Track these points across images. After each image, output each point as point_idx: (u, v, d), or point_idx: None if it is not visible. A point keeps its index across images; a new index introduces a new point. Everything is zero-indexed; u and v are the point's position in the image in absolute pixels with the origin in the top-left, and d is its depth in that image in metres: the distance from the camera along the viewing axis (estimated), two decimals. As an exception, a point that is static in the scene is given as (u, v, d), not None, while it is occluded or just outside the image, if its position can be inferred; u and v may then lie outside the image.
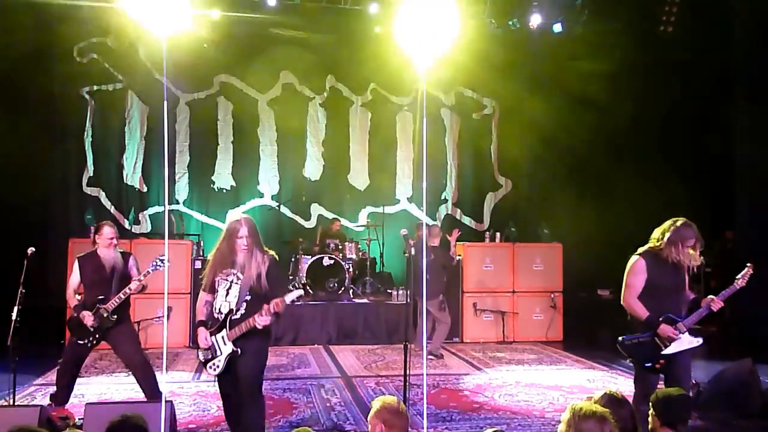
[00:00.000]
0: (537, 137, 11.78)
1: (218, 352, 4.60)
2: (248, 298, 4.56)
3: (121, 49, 10.86)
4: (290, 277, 10.51)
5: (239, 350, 4.55)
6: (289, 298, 4.52)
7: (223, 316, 4.58)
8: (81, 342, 5.66)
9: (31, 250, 5.73)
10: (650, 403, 3.67)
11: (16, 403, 5.71)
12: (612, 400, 3.37)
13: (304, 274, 10.05)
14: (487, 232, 11.07)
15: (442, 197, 12.19)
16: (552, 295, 10.31)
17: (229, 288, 4.60)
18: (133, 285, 5.54)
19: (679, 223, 4.68)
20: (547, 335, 10.16)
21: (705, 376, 6.58)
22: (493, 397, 6.83)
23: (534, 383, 7.41)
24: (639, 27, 10.78)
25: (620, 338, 4.75)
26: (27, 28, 9.72)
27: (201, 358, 4.72)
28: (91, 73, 10.79)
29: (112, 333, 5.69)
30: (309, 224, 11.71)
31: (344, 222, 11.54)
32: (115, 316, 5.62)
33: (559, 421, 2.92)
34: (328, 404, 6.50)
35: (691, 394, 5.50)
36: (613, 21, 10.73)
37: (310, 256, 10.24)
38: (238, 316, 4.54)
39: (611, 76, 10.89)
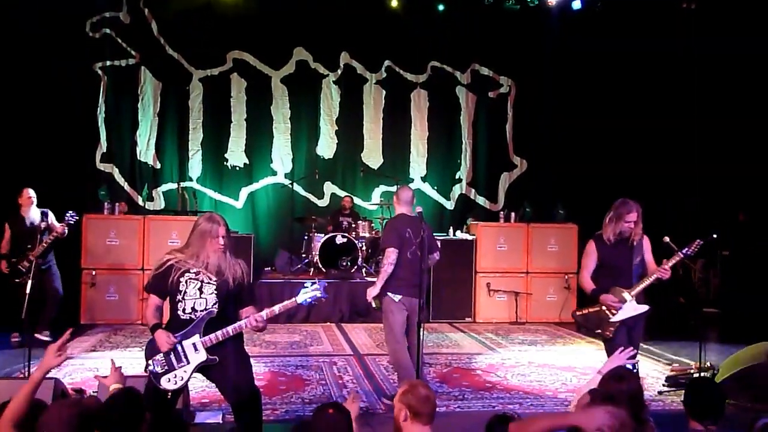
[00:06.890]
0: (553, 117, 11.62)
1: (183, 361, 4.03)
2: (224, 299, 4.13)
3: (134, 24, 10.79)
4: (303, 256, 10.51)
5: (216, 358, 4.05)
6: (300, 297, 4.17)
7: (197, 314, 4.06)
8: (17, 281, 7.01)
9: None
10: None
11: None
12: (613, 376, 3.37)
13: (317, 253, 10.04)
14: (502, 212, 10.97)
15: (456, 177, 12.07)
16: (566, 276, 10.23)
17: (201, 288, 4.10)
18: (59, 229, 7.12)
19: (617, 203, 5.25)
20: (561, 316, 10.09)
21: (719, 360, 6.51)
22: (506, 376, 6.82)
23: (547, 364, 7.39)
24: (659, 3, 10.52)
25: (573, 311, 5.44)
26: (38, 2, 9.67)
27: (156, 369, 4.03)
28: (103, 48, 10.72)
29: (45, 275, 7.40)
30: (322, 203, 11.65)
31: (357, 200, 11.48)
32: (42, 260, 7.20)
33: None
34: (340, 381, 6.52)
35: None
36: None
37: (323, 235, 10.22)
38: (214, 315, 4.07)
39: (631, 54, 10.66)
